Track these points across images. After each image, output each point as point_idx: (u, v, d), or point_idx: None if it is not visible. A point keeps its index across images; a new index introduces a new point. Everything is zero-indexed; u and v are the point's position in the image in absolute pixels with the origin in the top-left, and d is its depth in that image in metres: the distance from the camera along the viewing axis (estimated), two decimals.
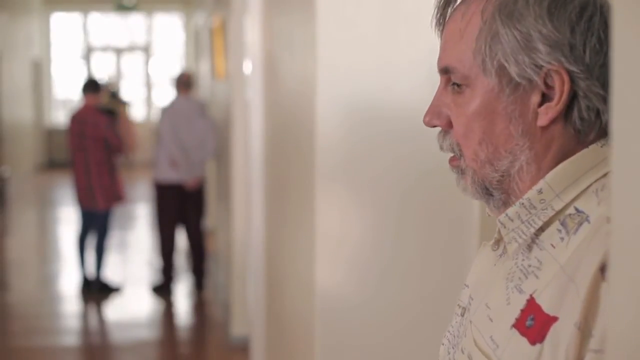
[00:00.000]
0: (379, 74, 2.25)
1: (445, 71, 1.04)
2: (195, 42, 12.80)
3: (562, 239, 0.96)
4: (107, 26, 16.54)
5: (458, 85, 1.02)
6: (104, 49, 16.63)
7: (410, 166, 2.27)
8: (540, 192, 0.98)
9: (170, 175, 6.53)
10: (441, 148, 1.08)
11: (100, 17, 16.50)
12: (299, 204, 2.68)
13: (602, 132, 0.98)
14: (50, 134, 16.06)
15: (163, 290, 6.73)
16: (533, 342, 0.92)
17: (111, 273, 7.15)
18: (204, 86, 9.24)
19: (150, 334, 5.97)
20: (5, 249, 8.99)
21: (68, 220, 9.73)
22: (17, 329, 6.10)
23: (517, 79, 0.98)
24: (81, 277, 6.78)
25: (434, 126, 1.07)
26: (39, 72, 15.59)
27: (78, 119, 6.50)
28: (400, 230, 2.32)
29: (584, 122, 0.98)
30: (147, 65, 16.68)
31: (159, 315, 6.43)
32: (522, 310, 0.95)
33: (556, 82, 0.96)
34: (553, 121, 0.98)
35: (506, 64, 0.98)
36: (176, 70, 12.72)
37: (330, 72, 2.24)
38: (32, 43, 15.10)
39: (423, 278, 2.31)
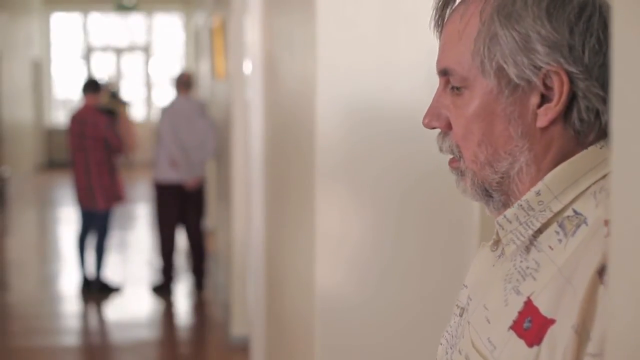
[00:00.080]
0: (379, 74, 2.25)
1: (444, 73, 1.04)
2: (195, 42, 12.80)
3: (560, 241, 0.95)
4: (107, 26, 16.54)
5: (457, 88, 1.02)
6: (104, 49, 16.63)
7: (410, 166, 2.27)
8: (538, 193, 0.98)
9: (170, 175, 6.53)
10: (441, 150, 1.07)
11: (100, 17, 16.50)
12: (299, 204, 2.68)
13: (602, 133, 0.98)
14: (50, 134, 16.06)
15: (163, 290, 6.73)
16: (530, 345, 0.92)
17: (111, 273, 7.15)
18: (204, 86, 9.24)
19: (150, 334, 5.97)
20: (5, 249, 8.99)
21: (68, 220, 9.73)
22: (17, 329, 6.10)
23: (515, 80, 0.97)
24: (81, 277, 6.78)
25: (434, 128, 1.06)
26: (39, 72, 15.59)
27: (78, 119, 6.50)
28: (400, 230, 2.32)
29: (583, 123, 0.97)
30: (147, 65, 16.69)
31: (159, 315, 6.43)
32: (519, 312, 0.95)
33: (555, 83, 0.96)
34: (552, 122, 0.97)
35: (505, 65, 0.97)
36: (176, 70, 12.73)
37: (330, 72, 2.24)
38: (32, 43, 15.10)
39: (423, 278, 2.31)
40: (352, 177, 2.29)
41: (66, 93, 16.42)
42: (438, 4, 1.07)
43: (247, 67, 4.58)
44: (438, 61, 1.05)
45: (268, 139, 3.76)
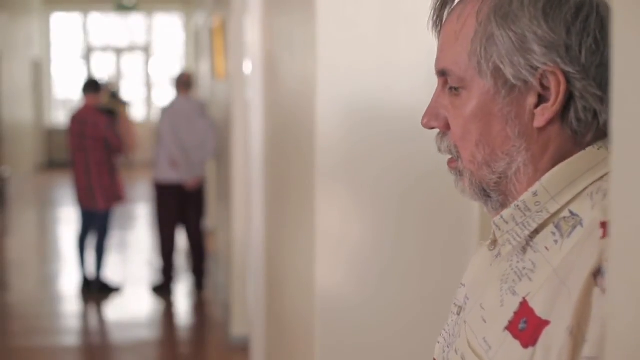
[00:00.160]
0: (379, 74, 2.25)
1: (442, 73, 1.04)
2: (195, 42, 12.80)
3: (556, 241, 0.95)
4: (107, 26, 16.54)
5: (455, 88, 1.02)
6: (104, 49, 16.63)
7: (410, 166, 2.27)
8: (535, 194, 0.98)
9: (170, 175, 6.53)
10: (439, 150, 1.07)
11: (100, 17, 16.50)
12: (299, 204, 2.68)
13: (600, 133, 0.98)
14: (50, 134, 16.06)
15: (163, 290, 6.73)
16: (525, 346, 0.92)
17: (111, 273, 7.15)
18: (204, 86, 9.24)
19: (150, 334, 5.97)
20: (5, 249, 8.99)
21: (68, 220, 9.73)
22: (17, 329, 6.10)
23: (512, 80, 0.97)
24: (81, 277, 6.78)
25: (432, 128, 1.06)
26: (39, 72, 15.59)
27: (78, 119, 6.50)
28: (400, 230, 2.32)
29: (580, 123, 0.97)
30: (147, 65, 16.69)
31: (159, 315, 6.43)
32: (515, 313, 0.95)
33: (552, 83, 0.96)
34: (550, 122, 0.97)
35: (501, 66, 0.97)
36: (176, 70, 12.73)
37: (330, 72, 2.24)
38: (32, 43, 15.10)
39: (423, 278, 2.31)
40: (352, 177, 2.29)
41: (66, 93, 16.42)
42: (436, 4, 1.07)
43: (247, 67, 4.58)
44: (436, 62, 1.05)
45: (268, 139, 3.76)
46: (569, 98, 0.96)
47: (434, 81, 1.08)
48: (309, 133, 2.37)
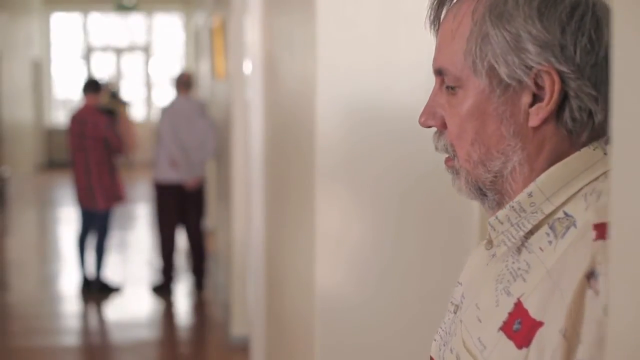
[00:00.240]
0: (379, 74, 2.25)
1: (439, 72, 1.04)
2: (195, 42, 12.80)
3: (550, 242, 0.95)
4: (107, 26, 16.54)
5: (452, 87, 1.02)
6: (104, 49, 16.63)
7: (410, 166, 2.27)
8: (530, 195, 0.98)
9: (170, 175, 6.53)
10: (436, 148, 1.08)
11: (100, 17, 16.50)
12: (299, 204, 2.68)
13: (595, 134, 0.98)
14: (50, 134, 16.06)
15: (163, 290, 6.73)
16: (519, 347, 0.92)
17: (111, 273, 7.15)
18: (204, 86, 9.24)
19: (150, 334, 5.97)
20: (5, 249, 8.99)
21: (68, 220, 9.73)
22: (17, 329, 6.10)
23: (506, 80, 0.97)
24: (81, 277, 6.78)
25: (429, 126, 1.07)
26: (39, 72, 15.59)
27: (78, 119, 6.50)
28: (400, 230, 2.32)
29: (575, 122, 0.97)
30: (147, 65, 16.68)
31: (159, 315, 6.43)
32: (509, 314, 0.95)
33: (546, 83, 0.96)
34: (545, 122, 0.97)
35: (496, 65, 0.97)
36: (176, 70, 12.72)
37: (330, 72, 2.24)
38: (32, 43, 15.10)
39: (423, 278, 2.31)
40: (352, 177, 2.29)
41: (66, 93, 16.42)
42: (433, 3, 1.07)
43: (247, 67, 4.58)
44: (433, 61, 1.05)
45: (268, 139, 3.76)
46: (564, 98, 0.96)
47: (434, 81, 1.08)
48: (309, 133, 2.37)
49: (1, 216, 10.42)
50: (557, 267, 0.91)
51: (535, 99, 0.97)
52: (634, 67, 0.62)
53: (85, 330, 6.18)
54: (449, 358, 1.07)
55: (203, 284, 6.87)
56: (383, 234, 2.32)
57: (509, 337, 0.94)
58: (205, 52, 8.91)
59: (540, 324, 0.90)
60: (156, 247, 7.22)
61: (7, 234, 9.68)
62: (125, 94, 14.84)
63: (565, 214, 0.95)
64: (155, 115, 12.76)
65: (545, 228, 0.97)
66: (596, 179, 0.96)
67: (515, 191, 1.01)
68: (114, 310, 6.50)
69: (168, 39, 16.72)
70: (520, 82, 0.97)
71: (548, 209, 0.97)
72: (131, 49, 16.72)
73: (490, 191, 1.03)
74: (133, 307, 6.57)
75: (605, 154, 0.97)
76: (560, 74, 0.95)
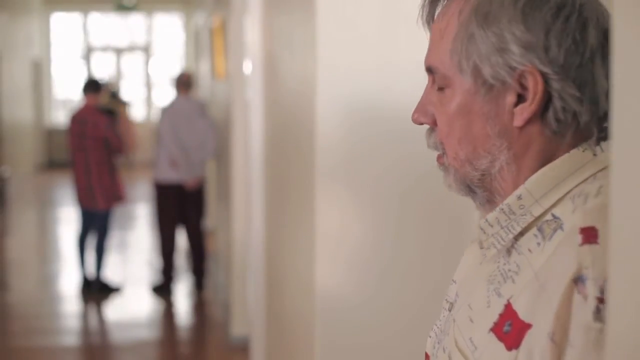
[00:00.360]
0: (379, 74, 2.25)
1: (429, 70, 1.05)
2: (195, 42, 12.80)
3: (538, 244, 0.95)
4: (107, 26, 16.54)
5: (441, 86, 1.03)
6: (104, 49, 16.63)
7: (410, 166, 2.27)
8: (520, 197, 0.98)
9: (170, 175, 6.53)
10: (428, 145, 1.09)
11: (100, 17, 16.50)
12: (299, 204, 2.68)
13: (581, 134, 0.98)
14: (50, 134, 16.06)
15: (163, 290, 6.73)
16: (509, 348, 0.92)
17: (111, 273, 7.15)
18: (204, 86, 9.24)
19: (150, 334, 5.97)
20: (5, 249, 8.99)
21: (68, 220, 9.73)
22: (17, 329, 6.10)
23: (490, 80, 0.97)
24: (81, 277, 6.78)
25: (421, 123, 1.07)
26: (39, 72, 15.59)
27: (78, 119, 6.50)
28: (400, 230, 2.32)
29: (560, 124, 0.97)
30: (147, 65, 16.68)
31: (159, 315, 6.43)
32: (500, 315, 0.95)
33: (530, 83, 0.96)
34: (529, 122, 0.97)
35: (480, 65, 0.98)
36: (176, 70, 12.72)
37: (330, 72, 2.24)
38: (32, 43, 15.10)
39: (423, 278, 2.31)
40: (352, 177, 2.29)
41: (66, 93, 16.42)
42: (424, 1, 1.07)
43: (247, 67, 4.58)
44: (425, 59, 1.06)
45: (268, 139, 3.76)
46: (548, 99, 0.96)
47: None
48: (309, 133, 2.37)
49: (1, 216, 10.42)
50: (544, 270, 0.92)
51: (520, 99, 0.97)
52: (634, 67, 0.61)
53: (85, 330, 6.18)
54: (441, 357, 1.08)
55: (203, 284, 6.87)
56: (383, 234, 2.32)
57: (500, 338, 0.94)
58: (205, 52, 8.91)
59: (529, 325, 0.90)
60: (156, 247, 7.22)
61: (7, 234, 9.68)
62: (125, 94, 14.85)
63: (554, 216, 0.95)
64: (155, 115, 12.77)
65: (534, 230, 0.97)
66: (585, 180, 0.96)
67: (505, 189, 1.01)
68: (114, 310, 6.50)
69: (168, 39, 16.72)
70: (504, 82, 0.97)
71: (537, 212, 0.97)
72: (131, 49, 16.72)
73: (479, 188, 1.03)
74: (133, 307, 6.57)
75: (594, 154, 0.98)
76: (543, 75, 0.95)
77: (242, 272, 5.39)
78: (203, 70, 9.60)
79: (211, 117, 6.87)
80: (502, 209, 0.99)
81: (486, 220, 1.01)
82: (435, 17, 1.06)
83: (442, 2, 1.06)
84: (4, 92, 11.98)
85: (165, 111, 6.65)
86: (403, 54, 2.22)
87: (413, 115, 1.07)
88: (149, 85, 16.71)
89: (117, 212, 8.01)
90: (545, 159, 0.98)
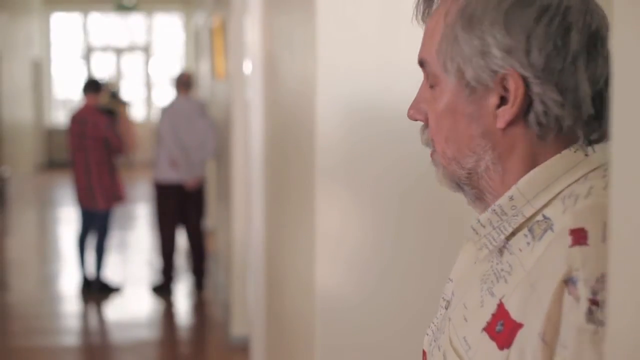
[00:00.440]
0: (379, 74, 2.25)
1: (421, 64, 1.06)
2: (195, 42, 12.80)
3: (528, 244, 0.95)
4: (107, 26, 16.54)
5: (431, 85, 1.04)
6: (104, 49, 16.63)
7: (410, 166, 2.27)
8: (511, 198, 0.98)
9: (170, 175, 6.53)
10: (422, 142, 1.10)
11: (100, 17, 16.50)
12: (299, 204, 2.68)
13: (564, 138, 0.98)
14: (50, 134, 16.06)
15: (163, 290, 6.73)
16: (501, 348, 0.92)
17: (111, 273, 7.15)
18: (204, 86, 9.24)
19: (150, 334, 5.97)
20: (5, 249, 8.99)
21: (68, 220, 9.73)
22: (17, 329, 6.10)
23: (472, 82, 0.98)
24: (81, 277, 6.78)
25: (416, 120, 1.08)
26: (39, 72, 15.59)
27: (78, 119, 6.50)
28: (400, 230, 2.32)
29: (542, 127, 0.97)
30: (147, 65, 16.68)
31: (159, 315, 6.43)
32: (493, 315, 0.95)
33: (511, 86, 0.96)
34: (512, 124, 0.97)
35: (464, 67, 0.98)
36: (176, 70, 12.72)
37: (330, 72, 2.24)
38: (32, 43, 15.10)
39: (423, 278, 2.31)
40: (352, 177, 2.29)
41: (66, 93, 16.42)
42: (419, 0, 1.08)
43: (247, 67, 4.58)
44: (419, 52, 1.07)
45: (268, 139, 3.76)
46: (530, 102, 0.96)
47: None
48: (309, 133, 2.37)
49: (1, 216, 10.42)
50: (534, 270, 0.92)
51: (503, 101, 0.97)
52: (634, 67, 0.61)
53: (85, 330, 6.18)
54: (437, 355, 1.08)
55: (203, 284, 6.87)
56: (383, 234, 2.32)
57: (492, 338, 0.94)
58: (205, 52, 8.91)
59: (520, 325, 0.91)
60: (156, 247, 7.22)
61: (7, 234, 9.69)
62: (125, 94, 14.84)
63: (544, 216, 0.95)
64: (155, 115, 12.76)
65: (524, 230, 0.97)
66: (576, 181, 0.96)
67: (494, 187, 1.02)
68: (114, 310, 6.50)
69: (168, 39, 16.72)
70: (486, 85, 0.97)
71: (529, 212, 0.97)
72: (131, 49, 16.72)
73: (467, 186, 1.04)
74: (133, 307, 6.57)
75: (586, 155, 0.98)
76: (524, 78, 0.95)
77: (242, 272, 5.39)
78: (203, 70, 9.60)
79: (211, 117, 6.87)
80: (494, 210, 1.00)
81: (478, 221, 1.02)
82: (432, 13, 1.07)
83: (436, 0, 1.06)
84: (4, 92, 11.98)
85: (165, 111, 6.65)
86: (403, 54, 2.22)
87: (408, 111, 1.08)
88: (149, 85, 16.72)
89: (117, 212, 8.01)
90: (531, 160, 0.99)
